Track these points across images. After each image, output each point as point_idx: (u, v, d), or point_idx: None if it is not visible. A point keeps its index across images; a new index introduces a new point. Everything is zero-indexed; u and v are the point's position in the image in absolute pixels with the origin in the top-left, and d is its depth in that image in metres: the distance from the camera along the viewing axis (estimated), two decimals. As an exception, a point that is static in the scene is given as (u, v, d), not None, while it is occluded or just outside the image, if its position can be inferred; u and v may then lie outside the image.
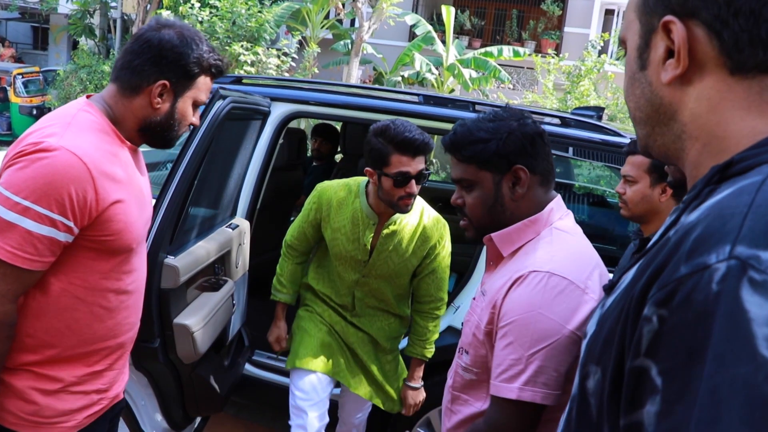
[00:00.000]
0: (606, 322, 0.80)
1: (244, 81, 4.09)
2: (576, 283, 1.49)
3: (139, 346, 2.42)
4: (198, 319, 2.55)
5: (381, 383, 2.87)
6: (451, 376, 1.77)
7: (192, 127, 1.92)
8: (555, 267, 1.50)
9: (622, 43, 0.95)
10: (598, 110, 3.42)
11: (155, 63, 1.72)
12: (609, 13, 17.10)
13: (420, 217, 2.70)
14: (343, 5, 14.08)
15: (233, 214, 3.24)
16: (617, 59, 13.35)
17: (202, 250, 2.67)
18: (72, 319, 1.73)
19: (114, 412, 1.98)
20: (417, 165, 2.50)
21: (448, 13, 13.20)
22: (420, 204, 2.73)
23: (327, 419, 2.77)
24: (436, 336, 2.87)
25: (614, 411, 0.74)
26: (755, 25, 0.75)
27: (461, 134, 1.64)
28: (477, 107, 3.20)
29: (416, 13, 16.14)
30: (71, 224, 1.59)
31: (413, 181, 2.50)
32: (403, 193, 2.51)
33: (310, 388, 2.72)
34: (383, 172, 2.50)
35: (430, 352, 2.87)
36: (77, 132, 1.64)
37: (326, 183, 2.78)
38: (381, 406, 2.88)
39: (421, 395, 2.88)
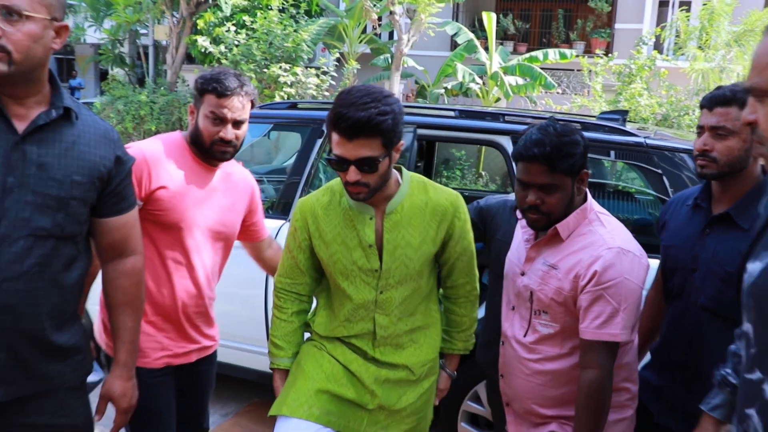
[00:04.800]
0: None
1: (299, 106, 4.97)
2: (637, 253, 2.27)
3: None
4: None
5: (413, 426, 2.62)
6: (524, 335, 2.42)
7: (226, 142, 2.63)
8: (620, 243, 2.25)
9: (765, 92, 1.37)
10: (623, 114, 4.17)
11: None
12: (663, 5, 17.49)
13: (425, 193, 2.47)
14: (380, 18, 14.83)
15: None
16: (675, 52, 13.85)
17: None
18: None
19: (182, 377, 2.81)
20: (357, 150, 2.21)
21: (489, 20, 13.95)
22: (418, 178, 2.52)
23: None
24: (476, 324, 2.76)
25: None
26: None
27: (555, 149, 2.21)
28: (506, 118, 3.99)
29: (456, 21, 16.87)
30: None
31: (353, 168, 2.24)
32: (344, 178, 2.29)
33: None
34: (330, 146, 2.31)
35: (472, 342, 2.75)
36: (154, 141, 2.69)
37: (305, 197, 2.59)
38: None
39: (449, 383, 2.79)
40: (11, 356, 1.99)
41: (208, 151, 2.67)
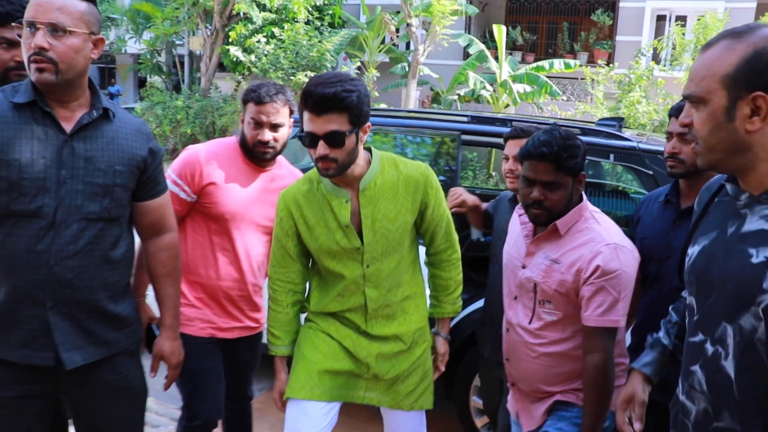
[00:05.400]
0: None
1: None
2: (630, 247, 2.36)
3: None
4: None
5: (410, 390, 2.66)
6: (528, 323, 2.47)
7: (264, 143, 2.81)
8: (616, 240, 2.33)
9: (700, 100, 1.50)
10: (619, 120, 4.32)
11: None
12: (660, 18, 17.55)
13: (396, 168, 2.52)
14: (398, 30, 14.99)
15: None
16: (670, 63, 13.93)
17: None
18: (194, 254, 2.88)
19: (227, 350, 3.00)
20: (325, 125, 2.27)
21: (500, 32, 14.16)
22: (388, 156, 2.56)
23: None
24: (461, 287, 2.80)
25: None
26: None
27: (561, 149, 2.30)
28: (514, 124, 4.15)
29: (469, 32, 17.10)
30: (187, 188, 2.79)
31: (322, 142, 2.29)
32: (314, 154, 2.33)
33: (304, 418, 2.52)
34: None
35: (459, 305, 2.80)
36: (209, 144, 2.93)
37: (285, 188, 2.64)
38: (408, 408, 2.66)
39: (448, 346, 2.82)
40: (75, 324, 2.19)
41: (252, 153, 2.87)
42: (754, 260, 1.47)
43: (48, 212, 2.10)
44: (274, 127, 2.83)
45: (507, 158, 3.09)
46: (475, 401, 3.98)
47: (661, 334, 2.10)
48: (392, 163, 2.52)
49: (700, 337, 1.61)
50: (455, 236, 2.73)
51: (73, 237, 2.14)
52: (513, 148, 3.04)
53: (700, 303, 1.62)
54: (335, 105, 2.24)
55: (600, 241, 2.33)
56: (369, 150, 2.53)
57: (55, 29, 2.05)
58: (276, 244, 2.62)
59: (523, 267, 2.50)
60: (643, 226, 2.80)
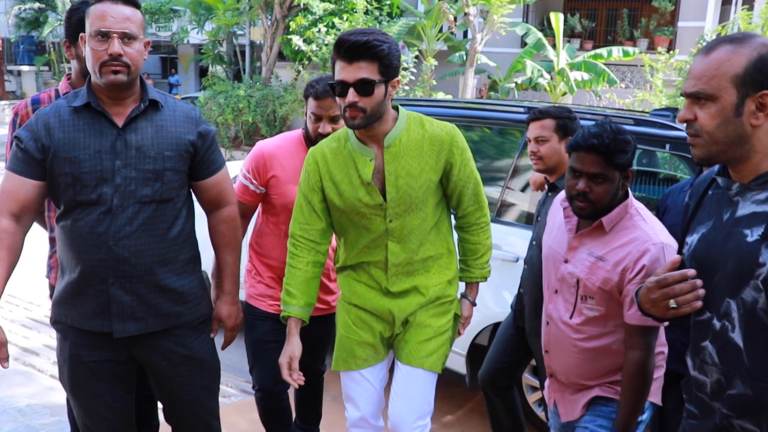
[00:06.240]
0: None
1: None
2: (675, 246, 2.27)
3: None
4: None
5: (422, 339, 2.71)
6: (569, 318, 2.48)
7: (325, 136, 2.85)
8: (662, 239, 2.33)
9: (710, 97, 1.64)
10: (673, 110, 4.40)
11: None
12: (726, 2, 17.07)
13: (422, 127, 2.57)
14: (455, 18, 15.07)
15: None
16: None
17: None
18: (267, 239, 3.17)
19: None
20: (356, 73, 2.36)
21: (557, 20, 14.10)
22: (415, 115, 2.61)
23: (381, 402, 2.83)
24: (491, 252, 2.85)
25: None
26: None
27: (614, 144, 2.31)
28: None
29: (526, 21, 16.99)
30: (255, 181, 3.05)
31: (352, 90, 2.37)
32: (344, 102, 2.41)
33: (354, 386, 2.77)
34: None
35: (488, 270, 2.84)
36: (276, 139, 3.16)
37: (315, 145, 2.73)
38: (417, 364, 2.70)
39: (472, 310, 2.88)
40: (136, 298, 2.44)
41: (315, 144, 2.99)
42: (749, 239, 1.63)
43: (106, 199, 2.38)
44: (334, 120, 2.97)
45: (530, 140, 3.22)
46: (527, 378, 4.14)
47: None
48: (418, 122, 2.58)
49: (706, 315, 1.74)
50: (484, 199, 2.76)
51: (128, 219, 2.39)
52: (534, 130, 3.20)
53: (704, 284, 1.72)
54: (366, 52, 2.34)
55: (647, 239, 2.35)
56: (396, 109, 2.60)
57: (127, 37, 2.33)
58: (302, 199, 2.68)
59: (566, 261, 2.52)
60: (671, 215, 2.94)
